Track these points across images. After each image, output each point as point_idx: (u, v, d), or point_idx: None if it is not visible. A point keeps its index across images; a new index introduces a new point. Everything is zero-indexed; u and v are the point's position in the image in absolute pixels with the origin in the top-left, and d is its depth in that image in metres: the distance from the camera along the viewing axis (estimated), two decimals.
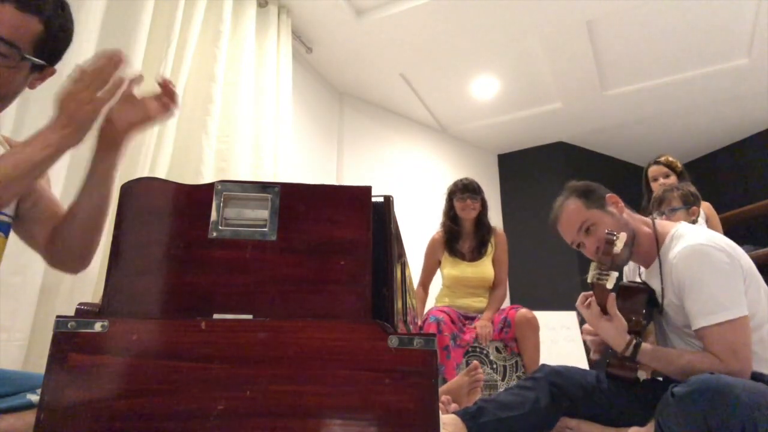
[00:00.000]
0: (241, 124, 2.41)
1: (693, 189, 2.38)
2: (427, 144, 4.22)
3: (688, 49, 3.32)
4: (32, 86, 1.03)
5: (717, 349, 1.29)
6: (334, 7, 2.94)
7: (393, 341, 0.69)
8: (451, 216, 2.73)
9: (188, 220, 0.77)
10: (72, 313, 0.74)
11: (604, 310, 1.41)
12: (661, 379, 1.54)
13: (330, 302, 0.73)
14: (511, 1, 2.90)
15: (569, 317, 3.38)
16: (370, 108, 3.92)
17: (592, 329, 1.52)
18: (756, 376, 1.28)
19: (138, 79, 0.96)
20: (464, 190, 2.67)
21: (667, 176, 2.73)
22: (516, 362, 2.44)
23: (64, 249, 1.06)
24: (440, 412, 0.99)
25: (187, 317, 0.71)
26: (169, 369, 0.68)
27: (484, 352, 2.42)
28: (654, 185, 2.73)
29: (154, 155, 1.97)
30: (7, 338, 1.45)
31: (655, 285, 1.50)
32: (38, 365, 1.45)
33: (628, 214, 1.57)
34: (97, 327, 0.69)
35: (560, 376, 1.51)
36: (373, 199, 0.80)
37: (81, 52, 1.70)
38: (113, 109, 0.92)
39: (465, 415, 1.40)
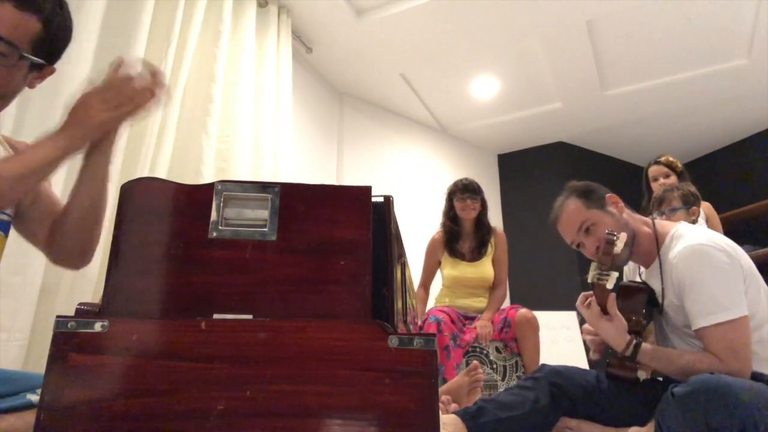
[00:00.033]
0: (241, 124, 2.41)
1: (693, 189, 2.38)
2: (427, 144, 4.22)
3: (688, 49, 3.32)
4: (32, 85, 1.03)
5: (717, 349, 1.29)
6: (334, 7, 2.94)
7: (393, 341, 0.69)
8: (451, 216, 2.73)
9: (188, 220, 0.77)
10: (72, 313, 0.74)
11: (605, 310, 1.41)
12: (661, 379, 1.54)
13: (330, 302, 0.73)
14: (511, 1, 2.90)
15: (569, 317, 3.38)
16: (370, 108, 3.92)
17: (592, 329, 1.52)
18: (756, 376, 1.27)
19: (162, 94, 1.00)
20: (464, 190, 2.67)
21: (667, 176, 2.73)
22: (516, 362, 2.44)
23: (63, 244, 1.07)
24: (440, 412, 0.99)
25: (187, 317, 0.71)
26: (169, 369, 0.68)
27: (484, 352, 2.42)
28: (654, 185, 2.73)
29: (154, 155, 1.97)
30: (7, 338, 1.45)
31: (655, 285, 1.50)
32: (38, 365, 1.45)
33: (628, 214, 1.57)
34: (97, 327, 0.69)
35: (560, 376, 1.51)
36: (373, 199, 0.80)
37: (81, 52, 1.71)
38: (101, 98, 0.95)
39: (465, 415, 1.40)
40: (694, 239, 1.39)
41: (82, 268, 1.15)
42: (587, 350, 1.79)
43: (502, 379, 2.39)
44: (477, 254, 2.68)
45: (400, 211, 0.91)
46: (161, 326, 0.70)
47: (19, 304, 1.48)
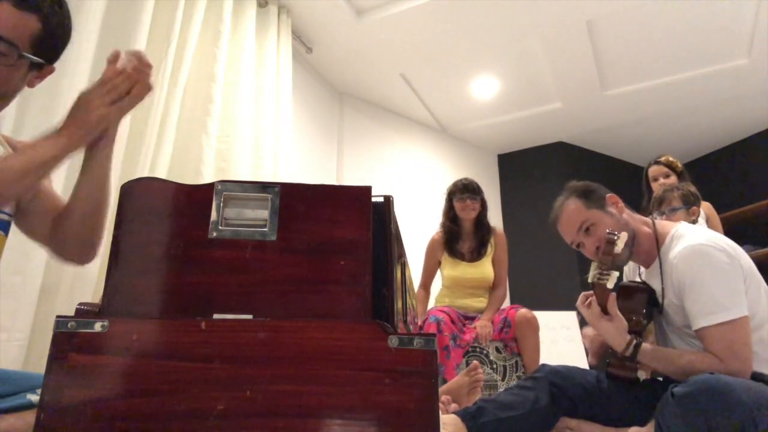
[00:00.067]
0: (241, 124, 2.41)
1: (693, 189, 2.38)
2: (427, 144, 4.22)
3: (688, 49, 3.32)
4: (31, 85, 1.03)
5: (717, 349, 1.29)
6: (334, 7, 2.94)
7: (393, 341, 0.69)
8: (450, 216, 2.73)
9: (188, 220, 0.77)
10: (72, 313, 0.74)
11: (605, 310, 1.41)
12: (661, 379, 1.54)
13: (330, 302, 0.73)
14: (511, 1, 2.90)
15: (569, 317, 3.38)
16: (370, 108, 3.92)
17: (592, 335, 1.53)
18: (756, 376, 1.28)
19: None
20: (464, 191, 2.67)
21: (667, 176, 2.73)
22: (516, 362, 2.44)
23: (67, 240, 1.07)
24: (440, 412, 0.99)
25: (187, 317, 0.71)
26: (169, 369, 0.68)
27: (484, 352, 2.42)
28: (654, 185, 2.73)
29: (154, 155, 1.97)
30: (7, 338, 1.45)
31: (656, 285, 1.50)
32: (38, 365, 1.45)
33: (628, 214, 1.57)
34: (97, 327, 0.69)
35: (560, 376, 1.51)
36: (373, 199, 0.80)
37: (81, 51, 1.71)
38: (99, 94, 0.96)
39: (465, 415, 1.40)
40: (695, 239, 1.39)
41: (83, 268, 1.15)
42: (587, 351, 1.79)
43: (502, 379, 2.39)
44: (477, 254, 2.68)
45: (400, 211, 0.91)
46: (161, 326, 0.70)
47: (19, 304, 1.48)
